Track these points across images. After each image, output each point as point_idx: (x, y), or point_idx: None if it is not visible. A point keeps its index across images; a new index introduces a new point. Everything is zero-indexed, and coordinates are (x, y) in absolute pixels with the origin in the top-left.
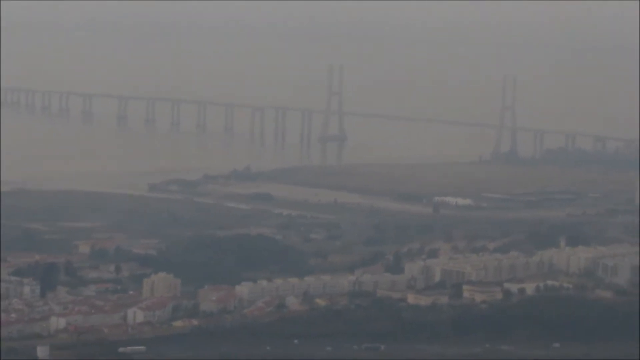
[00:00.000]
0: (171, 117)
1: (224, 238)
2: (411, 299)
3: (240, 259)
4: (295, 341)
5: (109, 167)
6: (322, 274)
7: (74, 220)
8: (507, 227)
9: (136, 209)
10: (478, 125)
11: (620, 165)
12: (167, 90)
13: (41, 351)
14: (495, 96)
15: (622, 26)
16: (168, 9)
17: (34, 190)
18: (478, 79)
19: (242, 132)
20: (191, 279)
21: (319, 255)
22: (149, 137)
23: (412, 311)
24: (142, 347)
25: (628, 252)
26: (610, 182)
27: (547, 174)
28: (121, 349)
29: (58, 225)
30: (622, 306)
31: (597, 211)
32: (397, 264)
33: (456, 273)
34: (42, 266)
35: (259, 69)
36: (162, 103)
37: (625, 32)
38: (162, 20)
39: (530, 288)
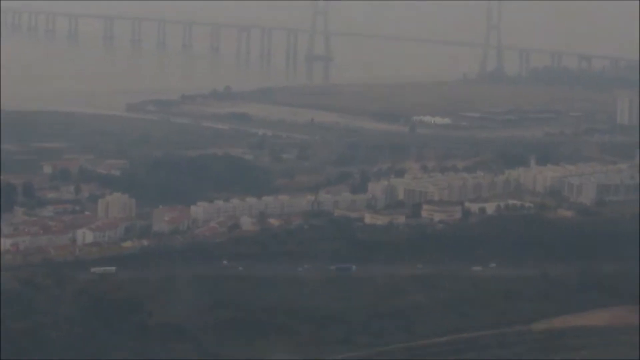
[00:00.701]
0: (157, 38)
1: (190, 158)
2: (368, 218)
3: (204, 179)
4: (225, 262)
5: (91, 87)
6: (284, 194)
7: (46, 141)
8: (482, 146)
9: (109, 130)
10: (464, 44)
11: (605, 84)
12: (154, 10)
13: None
14: (482, 15)
15: None
16: None
17: (11, 111)
18: None
19: (229, 52)
20: (151, 199)
21: (286, 175)
22: (133, 57)
23: (368, 231)
24: (112, 268)
25: (596, 171)
26: (593, 101)
27: (531, 92)
28: (93, 269)
29: (31, 146)
30: (581, 226)
31: (575, 130)
32: (363, 183)
33: (419, 193)
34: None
35: None
36: (148, 24)
37: None
38: None
39: (491, 208)
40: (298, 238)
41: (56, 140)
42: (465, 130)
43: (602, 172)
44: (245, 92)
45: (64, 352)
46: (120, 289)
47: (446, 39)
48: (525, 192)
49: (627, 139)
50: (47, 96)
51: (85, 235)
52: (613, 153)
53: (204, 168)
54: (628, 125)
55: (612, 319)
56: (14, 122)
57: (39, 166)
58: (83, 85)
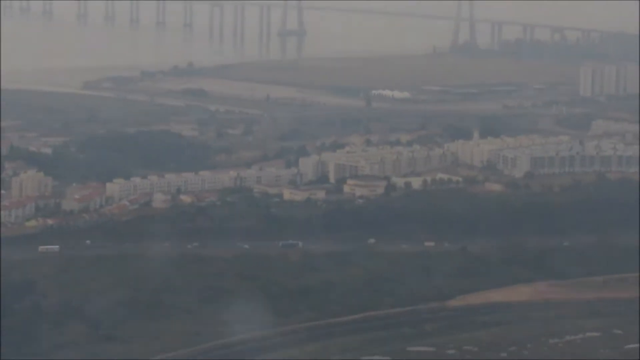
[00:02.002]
0: (130, 15)
1: (129, 135)
2: (287, 194)
3: (138, 156)
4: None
5: (53, 64)
6: (218, 170)
7: None
8: (432, 120)
9: (59, 107)
10: (437, 18)
11: (577, 56)
12: None
13: None
14: None
15: None
16: None
17: None
18: None
19: (203, 28)
20: (75, 177)
21: (226, 151)
22: (104, 34)
23: (284, 207)
24: (56, 247)
25: (535, 143)
26: (560, 74)
27: (499, 65)
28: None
29: None
30: (507, 199)
31: (534, 103)
32: (298, 159)
33: (350, 167)
34: None
35: None
36: (122, 2)
37: None
38: None
39: (417, 182)
40: (209, 215)
41: (4, 119)
42: (423, 104)
43: (541, 145)
44: (208, 68)
45: None
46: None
47: (419, 12)
48: (463, 166)
49: (585, 111)
50: (12, 73)
51: None
52: (568, 125)
53: (141, 145)
54: (590, 98)
55: (533, 294)
56: None
57: None
58: (45, 62)
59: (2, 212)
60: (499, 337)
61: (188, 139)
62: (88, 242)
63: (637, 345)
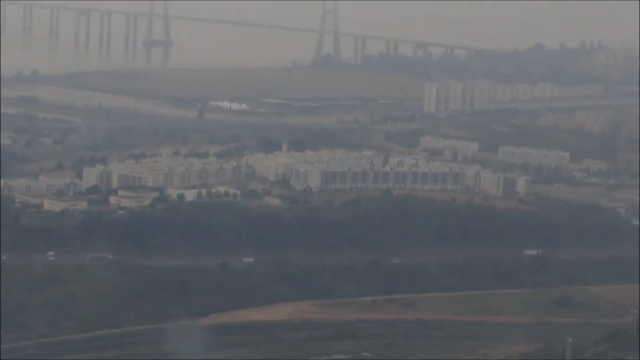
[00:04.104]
0: None
1: None
2: (47, 204)
3: None
4: None
5: None
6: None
7: None
8: (254, 132)
9: None
10: (303, 30)
11: (440, 72)
12: None
13: None
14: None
15: None
16: None
17: None
18: None
19: (69, 36)
20: None
21: (26, 161)
22: None
23: (37, 217)
24: None
25: (334, 158)
26: (413, 89)
27: (357, 79)
28: None
29: None
30: (280, 213)
31: (370, 118)
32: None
33: (133, 178)
34: None
35: None
36: None
37: None
38: None
39: (191, 194)
40: None
41: None
42: (259, 117)
43: (342, 160)
44: (55, 76)
45: None
46: None
47: (288, 25)
48: (258, 179)
49: (419, 127)
50: None
51: None
52: (398, 140)
53: None
54: (434, 113)
55: (293, 313)
56: None
57: None
58: None
59: None
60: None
61: None
62: None
63: None
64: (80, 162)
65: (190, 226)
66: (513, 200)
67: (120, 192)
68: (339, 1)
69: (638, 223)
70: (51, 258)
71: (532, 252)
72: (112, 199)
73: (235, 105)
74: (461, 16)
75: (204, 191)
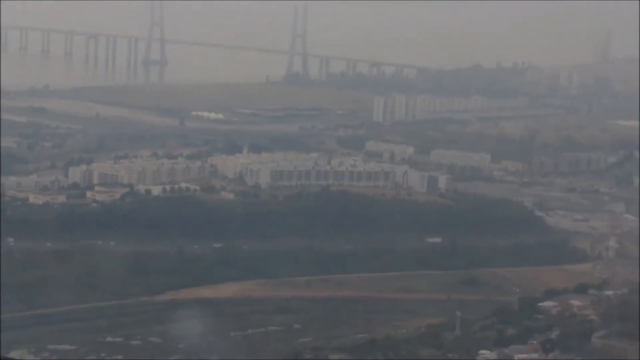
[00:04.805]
0: (19, 43)
1: None
2: (32, 198)
3: None
4: None
5: None
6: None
7: None
8: (226, 138)
9: None
10: (274, 52)
11: (390, 87)
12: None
13: None
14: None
15: None
16: None
17: None
18: (277, 9)
19: (81, 56)
20: None
21: (23, 161)
22: None
23: (21, 209)
24: None
25: (285, 158)
26: (365, 101)
27: (321, 94)
28: None
29: None
30: (231, 206)
31: (327, 125)
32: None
33: (110, 176)
34: None
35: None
36: (14, 31)
37: None
38: None
39: (157, 189)
40: None
41: None
42: (232, 124)
43: (291, 160)
44: (64, 90)
45: None
46: None
47: (263, 47)
48: (219, 177)
49: (365, 134)
50: None
51: None
52: (346, 145)
53: None
54: (380, 122)
55: (239, 291)
56: None
57: None
58: None
59: None
60: (190, 329)
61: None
62: None
63: None
64: (70, 163)
65: (153, 217)
66: (434, 195)
67: (96, 188)
68: (307, 26)
69: (541, 214)
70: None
71: (445, 238)
72: (89, 194)
73: (212, 115)
74: (412, 39)
75: (168, 187)
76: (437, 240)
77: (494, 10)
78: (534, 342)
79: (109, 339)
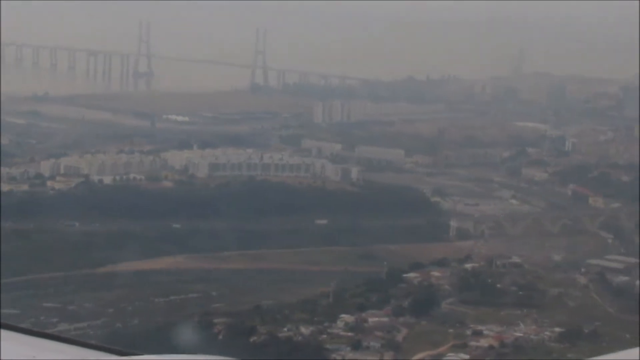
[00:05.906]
0: (31, 59)
1: None
2: None
3: None
4: None
5: None
6: None
7: None
8: (185, 136)
9: None
10: (242, 66)
11: (334, 95)
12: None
13: None
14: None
15: None
16: None
17: None
18: (245, 30)
19: (83, 70)
20: None
21: (10, 156)
22: (8, 72)
23: None
24: None
25: (225, 153)
26: (311, 107)
27: (276, 101)
28: None
29: None
30: (166, 192)
31: (272, 125)
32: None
33: (74, 168)
34: None
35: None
36: (27, 48)
37: None
38: None
39: (108, 178)
40: None
41: None
42: (194, 125)
43: (230, 154)
44: (61, 97)
45: None
46: None
47: (232, 62)
48: (169, 169)
49: (303, 133)
50: None
51: None
52: (286, 142)
53: None
54: (319, 124)
55: (171, 264)
56: None
57: None
58: None
59: None
60: (121, 296)
61: None
62: None
63: None
64: (45, 157)
65: (101, 201)
66: (346, 185)
67: (57, 178)
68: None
69: (438, 199)
70: None
71: (348, 218)
72: (49, 183)
73: (179, 117)
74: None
75: (117, 177)
76: (344, 220)
77: (430, 32)
78: (389, 308)
79: (48, 304)
